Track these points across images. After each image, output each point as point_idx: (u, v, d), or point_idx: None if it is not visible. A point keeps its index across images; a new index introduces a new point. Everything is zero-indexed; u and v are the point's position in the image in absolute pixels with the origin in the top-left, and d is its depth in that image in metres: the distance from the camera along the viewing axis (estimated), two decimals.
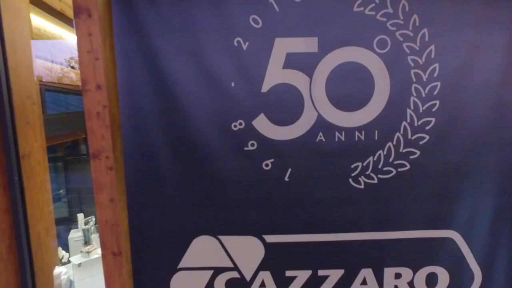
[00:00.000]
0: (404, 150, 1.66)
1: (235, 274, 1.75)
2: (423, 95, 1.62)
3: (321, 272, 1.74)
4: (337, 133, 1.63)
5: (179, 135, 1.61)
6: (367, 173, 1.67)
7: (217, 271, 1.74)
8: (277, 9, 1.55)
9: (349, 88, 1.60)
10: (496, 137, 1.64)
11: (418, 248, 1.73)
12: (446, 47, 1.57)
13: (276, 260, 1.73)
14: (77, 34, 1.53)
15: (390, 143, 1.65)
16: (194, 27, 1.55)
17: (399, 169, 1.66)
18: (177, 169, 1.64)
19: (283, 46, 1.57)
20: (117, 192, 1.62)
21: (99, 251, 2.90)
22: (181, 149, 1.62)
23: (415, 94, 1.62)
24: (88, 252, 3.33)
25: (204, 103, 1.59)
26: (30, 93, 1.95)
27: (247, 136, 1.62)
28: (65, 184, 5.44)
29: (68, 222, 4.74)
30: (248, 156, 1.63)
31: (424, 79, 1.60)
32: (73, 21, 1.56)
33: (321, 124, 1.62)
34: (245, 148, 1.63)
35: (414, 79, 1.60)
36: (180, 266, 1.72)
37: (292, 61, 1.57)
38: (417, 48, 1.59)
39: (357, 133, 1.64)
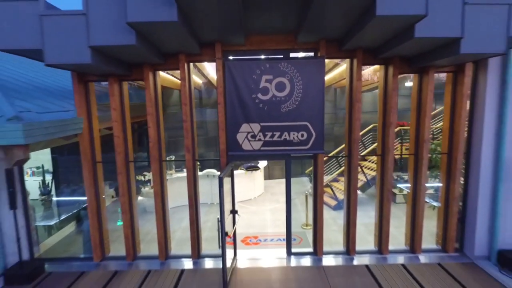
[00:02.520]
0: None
1: (252, 133, 5.95)
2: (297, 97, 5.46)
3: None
4: (282, 106, 5.89)
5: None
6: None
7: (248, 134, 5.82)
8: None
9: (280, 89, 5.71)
10: (310, 109, 5.84)
11: (299, 127, 5.87)
12: (303, 83, 5.70)
13: (265, 130, 5.94)
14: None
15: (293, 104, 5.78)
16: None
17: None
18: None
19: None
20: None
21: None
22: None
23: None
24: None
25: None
26: None
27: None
28: None
29: None
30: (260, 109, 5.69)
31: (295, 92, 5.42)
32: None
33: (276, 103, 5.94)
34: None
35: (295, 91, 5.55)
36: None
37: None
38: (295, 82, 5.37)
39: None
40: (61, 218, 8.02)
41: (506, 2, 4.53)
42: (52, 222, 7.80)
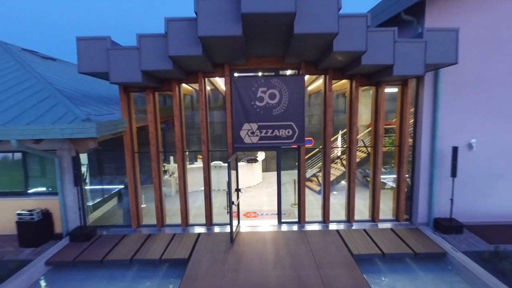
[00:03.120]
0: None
1: (251, 130, 7.96)
2: (284, 104, 7.01)
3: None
4: (273, 110, 7.86)
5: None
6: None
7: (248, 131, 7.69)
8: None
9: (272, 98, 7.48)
10: (294, 112, 7.90)
11: (286, 126, 8.06)
12: (289, 93, 7.45)
13: (261, 128, 8.14)
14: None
15: (282, 109, 7.44)
16: (246, 94, 7.50)
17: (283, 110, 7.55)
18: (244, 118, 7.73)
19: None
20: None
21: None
22: (248, 117, 7.13)
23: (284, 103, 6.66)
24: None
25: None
26: None
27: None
28: None
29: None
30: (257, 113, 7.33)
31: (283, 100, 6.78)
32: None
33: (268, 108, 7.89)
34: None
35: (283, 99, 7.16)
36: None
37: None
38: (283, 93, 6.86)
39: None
40: (96, 201, 10.10)
41: (424, 40, 6.64)
42: (90, 203, 9.90)
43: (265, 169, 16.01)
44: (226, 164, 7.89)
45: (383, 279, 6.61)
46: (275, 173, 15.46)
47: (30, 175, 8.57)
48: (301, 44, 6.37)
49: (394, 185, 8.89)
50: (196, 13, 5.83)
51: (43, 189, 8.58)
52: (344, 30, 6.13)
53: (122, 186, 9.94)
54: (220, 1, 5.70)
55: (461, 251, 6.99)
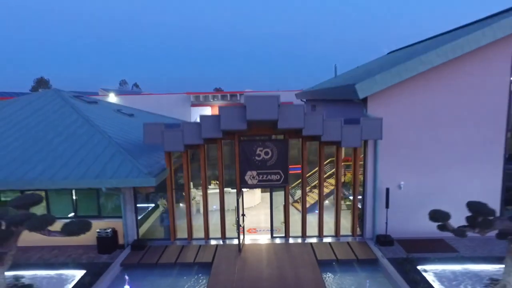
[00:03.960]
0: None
1: (252, 176, 12.82)
2: (275, 158, 9.32)
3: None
4: (267, 162, 11.72)
5: (249, 167, 8.77)
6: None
7: (250, 176, 9.49)
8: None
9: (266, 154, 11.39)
10: (281, 164, 9.15)
11: (275, 173, 11.92)
12: (278, 151, 8.87)
13: (259, 174, 12.01)
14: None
15: (273, 161, 9.80)
16: (249, 152, 11.15)
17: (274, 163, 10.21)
18: None
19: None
20: None
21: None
22: (250, 166, 8.71)
23: (274, 158, 8.84)
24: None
25: (250, 164, 8.74)
26: None
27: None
28: None
29: None
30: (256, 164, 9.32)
31: (274, 156, 9.42)
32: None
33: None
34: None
35: (274, 155, 9.26)
36: None
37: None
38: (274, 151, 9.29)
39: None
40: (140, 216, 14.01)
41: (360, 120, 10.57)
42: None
43: (263, 190, 19.92)
44: (235, 190, 11.82)
45: (336, 275, 10.55)
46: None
47: (102, 204, 12.55)
48: (282, 129, 10.32)
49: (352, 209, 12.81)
50: (219, 115, 9.78)
51: (112, 214, 12.54)
52: (308, 124, 10.09)
53: (153, 204, 13.83)
54: (234, 111, 9.66)
55: (387, 257, 10.91)
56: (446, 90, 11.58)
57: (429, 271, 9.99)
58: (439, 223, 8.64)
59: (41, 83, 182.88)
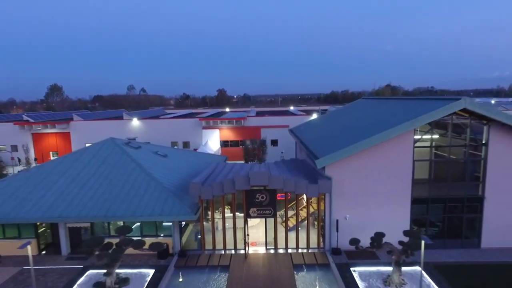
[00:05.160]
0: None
1: (254, 210, 16.12)
2: (268, 200, 15.84)
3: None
4: (263, 202, 18.10)
5: (252, 205, 15.90)
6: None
7: (253, 211, 16.06)
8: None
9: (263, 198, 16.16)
10: (272, 204, 15.87)
11: (268, 209, 18.86)
12: (270, 196, 15.76)
13: (257, 211, 18.54)
14: None
15: (267, 202, 15.85)
16: (252, 197, 16.07)
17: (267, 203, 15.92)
18: None
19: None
20: None
21: None
22: (253, 205, 15.90)
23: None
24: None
25: (254, 203, 15.91)
26: None
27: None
28: None
29: None
30: (256, 203, 15.96)
31: (267, 199, 15.86)
32: None
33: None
34: None
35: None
36: None
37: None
38: (267, 196, 15.82)
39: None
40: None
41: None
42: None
43: None
44: (242, 214, 18.94)
45: (304, 273, 17.68)
46: None
47: (160, 228, 19.73)
48: (272, 187, 17.46)
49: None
50: (234, 181, 16.95)
51: (166, 234, 19.70)
52: (285, 186, 17.23)
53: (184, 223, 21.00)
54: (242, 180, 16.82)
55: (335, 262, 18.02)
56: (376, 158, 18.62)
57: (356, 271, 17.12)
58: (356, 244, 15.80)
59: (54, 89, 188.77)
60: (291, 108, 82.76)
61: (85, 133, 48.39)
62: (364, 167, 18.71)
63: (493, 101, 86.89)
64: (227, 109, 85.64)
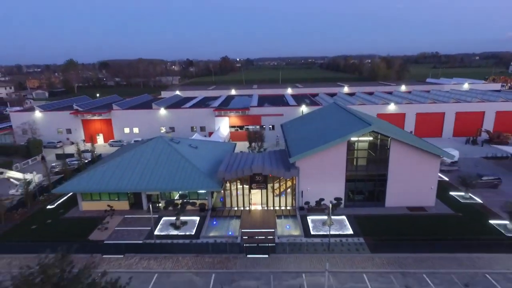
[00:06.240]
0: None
1: None
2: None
3: None
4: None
5: None
6: None
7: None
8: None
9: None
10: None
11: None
12: None
13: None
14: None
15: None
16: None
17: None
18: None
19: None
20: None
21: None
22: None
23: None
24: None
25: None
26: None
27: None
28: None
29: None
30: None
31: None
32: None
33: None
34: None
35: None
36: None
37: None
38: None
39: None
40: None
41: None
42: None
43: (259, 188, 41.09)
44: (248, 186, 32.91)
45: (282, 220, 31.92)
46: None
47: (200, 194, 33.86)
48: (264, 173, 31.19)
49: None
50: (243, 170, 30.70)
51: (203, 197, 33.85)
52: (272, 172, 30.93)
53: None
54: (248, 170, 30.55)
55: (300, 214, 32.15)
56: (325, 156, 32.01)
57: (310, 218, 31.30)
58: (308, 204, 29.86)
59: (71, 65, 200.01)
60: (288, 91, 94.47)
61: (123, 120, 61.81)
62: (318, 161, 32.18)
63: (466, 84, 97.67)
64: (233, 91, 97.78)
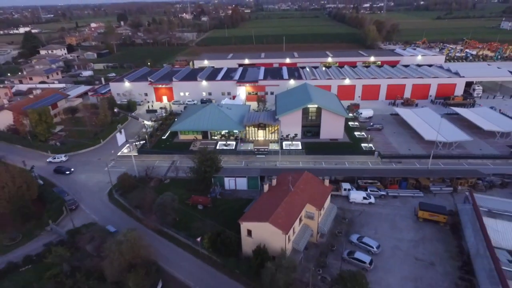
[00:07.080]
0: None
1: None
2: None
3: None
4: None
5: None
6: None
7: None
8: None
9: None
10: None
11: None
12: None
13: None
14: None
15: None
16: None
17: None
18: None
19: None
20: None
21: None
22: None
23: None
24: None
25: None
26: None
27: None
28: None
29: None
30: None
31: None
32: None
33: None
34: None
35: None
36: None
37: None
38: None
39: None
40: None
41: None
42: None
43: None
44: (257, 128, 71.54)
45: (271, 144, 71.10)
46: None
47: (233, 133, 72.84)
48: (263, 122, 69.62)
49: None
50: (255, 121, 69.22)
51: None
52: (266, 122, 69.35)
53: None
54: (256, 121, 69.10)
55: (280, 141, 71.09)
56: (292, 117, 69.65)
57: (284, 143, 70.32)
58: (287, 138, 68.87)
59: (110, 30, 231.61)
60: (287, 60, 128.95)
61: (180, 88, 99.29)
62: (290, 117, 69.63)
63: (420, 56, 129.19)
64: (246, 60, 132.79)
